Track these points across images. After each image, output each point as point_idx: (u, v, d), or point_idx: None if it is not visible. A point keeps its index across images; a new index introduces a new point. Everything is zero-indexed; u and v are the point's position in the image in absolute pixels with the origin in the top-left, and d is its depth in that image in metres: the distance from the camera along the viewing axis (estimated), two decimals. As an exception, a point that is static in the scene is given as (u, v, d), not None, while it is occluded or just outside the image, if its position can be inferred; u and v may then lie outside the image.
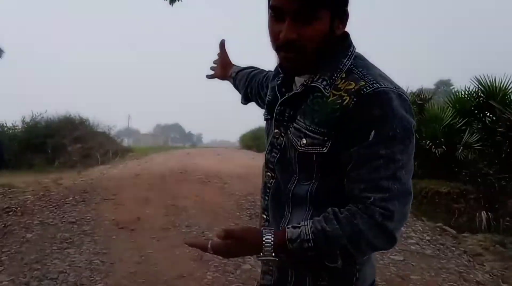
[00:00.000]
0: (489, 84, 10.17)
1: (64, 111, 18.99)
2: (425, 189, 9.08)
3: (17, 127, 18.02)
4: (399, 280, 3.79)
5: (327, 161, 1.05)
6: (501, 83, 10.10)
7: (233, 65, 1.76)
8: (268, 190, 1.21)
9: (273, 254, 1.00)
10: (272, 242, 1.00)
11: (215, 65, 1.82)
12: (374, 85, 0.99)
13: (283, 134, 1.14)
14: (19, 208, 6.12)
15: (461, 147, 9.56)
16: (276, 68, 1.27)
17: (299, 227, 1.00)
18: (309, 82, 1.08)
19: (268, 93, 1.29)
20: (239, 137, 28.20)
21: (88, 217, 5.48)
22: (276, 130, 1.16)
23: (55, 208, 6.06)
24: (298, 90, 1.10)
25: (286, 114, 1.13)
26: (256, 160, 11.92)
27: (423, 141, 10.21)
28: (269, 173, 1.20)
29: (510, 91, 10.17)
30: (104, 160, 16.04)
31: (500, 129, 9.33)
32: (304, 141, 1.06)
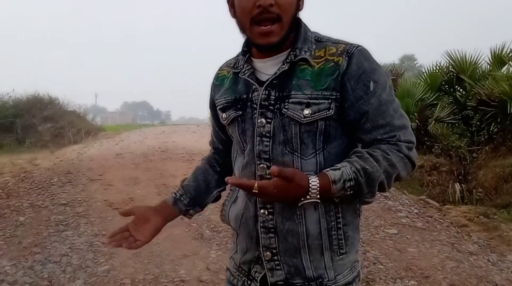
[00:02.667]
0: (459, 59, 10.45)
1: (32, 90, 18.40)
2: (399, 163, 9.38)
3: (-17, 107, 17.37)
4: (397, 253, 3.97)
5: (330, 126, 1.11)
6: (471, 58, 10.41)
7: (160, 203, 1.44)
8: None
9: (318, 196, 1.01)
10: (318, 185, 1.01)
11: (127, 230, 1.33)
12: (352, 45, 1.12)
13: (269, 120, 1.12)
14: (1, 191, 6.04)
15: (433, 121, 9.87)
16: (220, 73, 1.32)
17: (339, 169, 1.03)
18: (293, 58, 1.12)
19: (225, 96, 1.24)
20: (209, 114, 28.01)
21: (80, 199, 5.47)
22: (260, 120, 1.13)
23: (42, 190, 6.01)
24: (285, 68, 1.11)
25: (272, 97, 1.12)
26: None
27: (397, 116, 10.49)
28: (263, 165, 1.14)
29: (479, 65, 10.50)
30: (76, 139, 15.74)
31: (470, 103, 9.67)
32: (307, 111, 1.08)
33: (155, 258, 3.78)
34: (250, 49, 1.21)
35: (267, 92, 1.14)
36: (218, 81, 1.31)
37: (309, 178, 1.01)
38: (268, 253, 1.16)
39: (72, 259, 3.78)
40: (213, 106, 1.35)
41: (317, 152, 1.12)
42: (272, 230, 1.14)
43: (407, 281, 3.45)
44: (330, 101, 1.09)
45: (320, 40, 1.16)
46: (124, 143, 11.89)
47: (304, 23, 1.18)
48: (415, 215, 5.04)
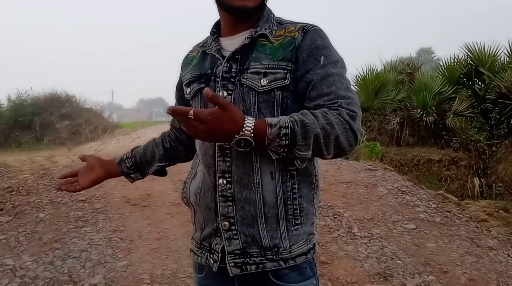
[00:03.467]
0: (478, 51, 10.28)
1: (50, 88, 18.68)
2: (417, 157, 9.29)
3: (2, 106, 17.70)
4: (415, 248, 3.93)
5: (287, 97, 1.16)
6: (490, 50, 10.23)
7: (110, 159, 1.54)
8: (228, 151, 1.17)
9: (252, 136, 1.02)
10: (253, 123, 1.02)
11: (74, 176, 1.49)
12: (308, 24, 1.21)
13: (230, 92, 1.18)
14: (21, 188, 6.13)
15: (451, 115, 9.75)
16: (190, 55, 1.38)
17: (277, 118, 1.05)
18: (254, 33, 1.20)
19: (191, 72, 1.31)
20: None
21: (98, 195, 5.53)
22: (221, 92, 1.19)
23: (61, 187, 6.08)
24: (247, 42, 1.20)
25: (233, 70, 1.19)
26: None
27: (414, 110, 10.39)
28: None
29: (499, 57, 10.31)
30: (94, 136, 15.95)
31: (489, 96, 9.53)
32: (264, 81, 1.15)
33: (173, 253, 3.80)
34: (219, 31, 1.31)
35: (228, 65, 1.21)
36: (187, 61, 1.39)
37: (246, 116, 1.03)
38: (226, 222, 1.18)
39: (91, 254, 3.82)
40: (179, 85, 1.42)
41: None
42: (230, 198, 1.17)
43: (426, 277, 3.42)
44: (286, 71, 1.15)
45: (281, 23, 1.26)
46: (140, 140, 11.98)
47: (268, 7, 1.27)
48: (433, 210, 4.98)
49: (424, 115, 10.01)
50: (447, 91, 10.40)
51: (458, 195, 7.21)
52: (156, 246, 3.96)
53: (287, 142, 1.03)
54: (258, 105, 1.16)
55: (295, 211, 1.18)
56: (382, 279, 3.36)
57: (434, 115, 9.93)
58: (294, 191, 1.17)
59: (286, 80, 1.15)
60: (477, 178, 7.81)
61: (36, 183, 6.47)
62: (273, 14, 1.27)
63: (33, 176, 7.10)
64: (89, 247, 3.99)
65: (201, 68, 1.28)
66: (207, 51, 1.28)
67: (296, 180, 1.17)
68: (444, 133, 9.99)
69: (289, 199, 1.17)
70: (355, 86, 11.80)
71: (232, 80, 1.19)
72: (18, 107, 17.28)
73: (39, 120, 16.99)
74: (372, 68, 11.85)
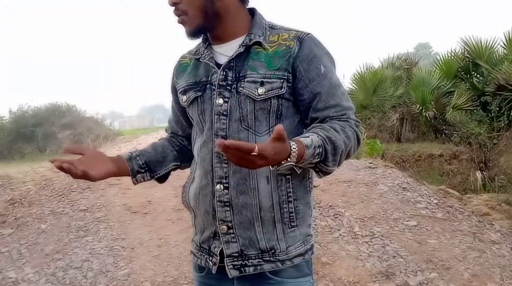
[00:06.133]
0: (474, 44, 10.27)
1: (50, 99, 18.82)
2: (418, 153, 9.26)
3: (4, 118, 17.82)
4: (417, 245, 3.91)
5: (283, 105, 1.20)
6: (487, 43, 10.22)
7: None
8: (225, 158, 1.17)
9: (295, 160, 1.02)
10: (296, 148, 1.01)
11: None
12: (302, 32, 1.23)
13: (226, 99, 1.20)
14: (24, 199, 6.14)
15: (451, 109, 9.73)
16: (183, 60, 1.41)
17: (308, 137, 1.06)
18: (248, 41, 1.22)
19: (186, 80, 1.32)
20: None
21: (99, 204, 5.54)
22: (218, 100, 1.21)
23: (62, 197, 6.09)
24: (241, 50, 1.22)
25: (229, 77, 1.21)
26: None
27: (413, 106, 10.39)
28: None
29: (496, 50, 10.30)
30: (95, 144, 15.96)
31: (488, 89, 9.50)
32: (261, 90, 1.17)
33: (174, 260, 3.80)
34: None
35: (224, 73, 1.22)
36: (180, 68, 1.39)
37: (290, 141, 1.02)
38: (224, 226, 1.22)
39: (92, 264, 3.83)
40: (174, 90, 1.42)
41: (270, 130, 1.19)
42: (227, 203, 1.21)
43: (428, 274, 3.41)
44: (282, 80, 1.19)
45: (273, 27, 1.27)
46: (142, 146, 11.97)
47: (259, 13, 1.29)
48: (434, 205, 4.96)
49: (424, 110, 10.01)
50: (445, 85, 10.40)
51: (460, 189, 7.18)
52: (157, 253, 3.96)
53: (318, 159, 1.08)
54: (254, 113, 1.19)
55: (291, 214, 1.21)
56: (384, 278, 3.35)
57: (434, 110, 9.93)
58: (289, 194, 1.21)
59: (283, 89, 1.19)
60: (479, 171, 7.77)
61: (38, 194, 6.48)
62: (264, 19, 1.29)
63: (36, 187, 7.11)
64: (91, 256, 3.99)
65: (196, 75, 1.30)
66: (200, 59, 1.30)
67: (291, 183, 1.21)
68: (444, 127, 9.98)
69: (284, 202, 1.20)
70: (354, 85, 11.80)
71: (229, 88, 1.21)
72: (20, 119, 17.39)
73: (41, 131, 17.06)
74: (370, 66, 11.86)
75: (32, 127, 16.96)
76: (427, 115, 9.90)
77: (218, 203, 1.21)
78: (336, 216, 4.61)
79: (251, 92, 1.18)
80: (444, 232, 4.26)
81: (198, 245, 1.33)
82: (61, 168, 1.12)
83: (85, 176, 1.14)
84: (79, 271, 3.72)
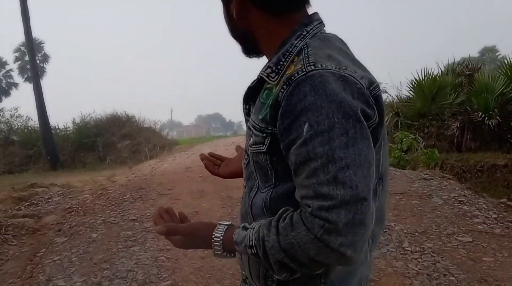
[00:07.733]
0: (543, 47, 9.62)
1: (111, 109, 19.67)
2: (480, 163, 8.78)
3: (68, 129, 18.83)
4: (471, 263, 3.66)
5: (277, 161, 0.94)
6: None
7: None
8: (242, 198, 1.11)
9: (224, 253, 0.98)
10: (221, 240, 0.97)
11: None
12: (309, 67, 0.84)
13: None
14: (80, 208, 6.37)
15: (517, 117, 9.18)
16: None
17: (247, 229, 0.93)
18: (263, 72, 0.97)
19: None
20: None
21: (148, 214, 5.63)
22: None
23: (115, 207, 6.26)
24: (252, 84, 1.00)
25: (245, 110, 1.07)
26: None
27: (475, 113, 9.90)
28: (243, 181, 1.11)
29: None
30: (153, 154, 16.42)
31: (559, 95, 8.87)
32: (252, 140, 0.96)
33: (216, 272, 3.77)
34: None
35: (246, 106, 1.07)
36: None
37: (215, 232, 0.98)
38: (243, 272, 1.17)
39: (137, 274, 3.87)
40: None
41: (268, 188, 0.99)
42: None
43: (483, 295, 3.16)
44: (264, 135, 0.93)
45: (301, 53, 0.92)
46: (195, 156, 12.19)
47: (303, 26, 0.98)
48: (493, 220, 4.64)
49: (486, 118, 9.51)
50: (510, 91, 9.81)
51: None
52: (200, 264, 3.94)
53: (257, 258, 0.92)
54: (254, 164, 1.02)
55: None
56: (434, 298, 3.15)
57: (497, 117, 9.42)
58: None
59: (263, 147, 0.93)
60: (547, 183, 7.23)
61: (93, 203, 6.72)
62: (298, 39, 0.95)
63: (92, 196, 7.39)
64: (136, 267, 4.04)
65: None
66: None
67: None
68: (509, 136, 9.42)
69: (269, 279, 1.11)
70: (411, 92, 11.40)
71: (247, 123, 1.03)
72: (82, 130, 18.31)
73: (101, 141, 17.82)
74: (429, 72, 11.39)
75: (93, 137, 17.77)
76: (490, 123, 9.39)
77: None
78: (385, 230, 4.41)
79: (247, 140, 1.01)
80: (502, 249, 3.96)
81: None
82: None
83: (215, 173, 1.40)
84: (124, 281, 3.77)
